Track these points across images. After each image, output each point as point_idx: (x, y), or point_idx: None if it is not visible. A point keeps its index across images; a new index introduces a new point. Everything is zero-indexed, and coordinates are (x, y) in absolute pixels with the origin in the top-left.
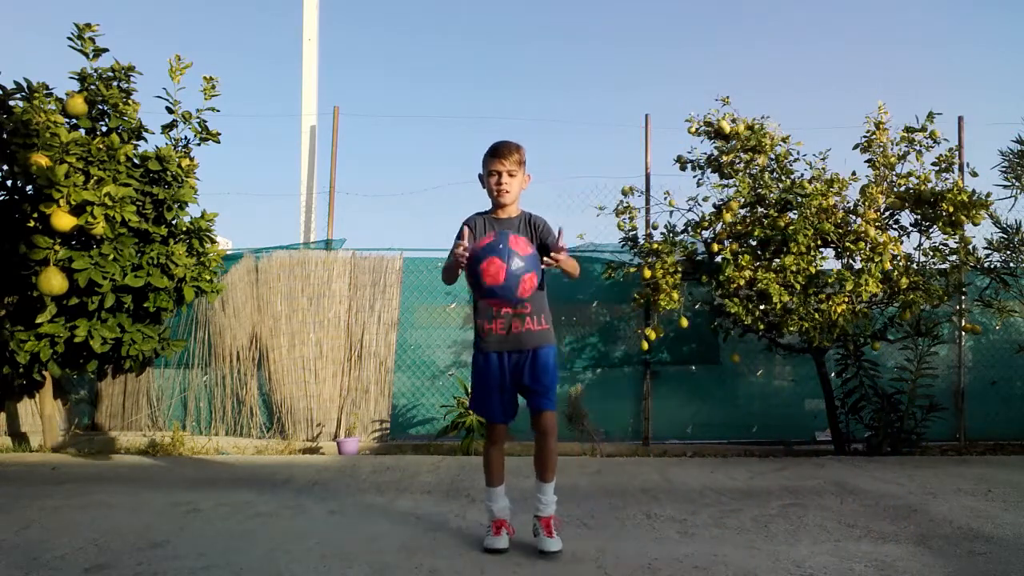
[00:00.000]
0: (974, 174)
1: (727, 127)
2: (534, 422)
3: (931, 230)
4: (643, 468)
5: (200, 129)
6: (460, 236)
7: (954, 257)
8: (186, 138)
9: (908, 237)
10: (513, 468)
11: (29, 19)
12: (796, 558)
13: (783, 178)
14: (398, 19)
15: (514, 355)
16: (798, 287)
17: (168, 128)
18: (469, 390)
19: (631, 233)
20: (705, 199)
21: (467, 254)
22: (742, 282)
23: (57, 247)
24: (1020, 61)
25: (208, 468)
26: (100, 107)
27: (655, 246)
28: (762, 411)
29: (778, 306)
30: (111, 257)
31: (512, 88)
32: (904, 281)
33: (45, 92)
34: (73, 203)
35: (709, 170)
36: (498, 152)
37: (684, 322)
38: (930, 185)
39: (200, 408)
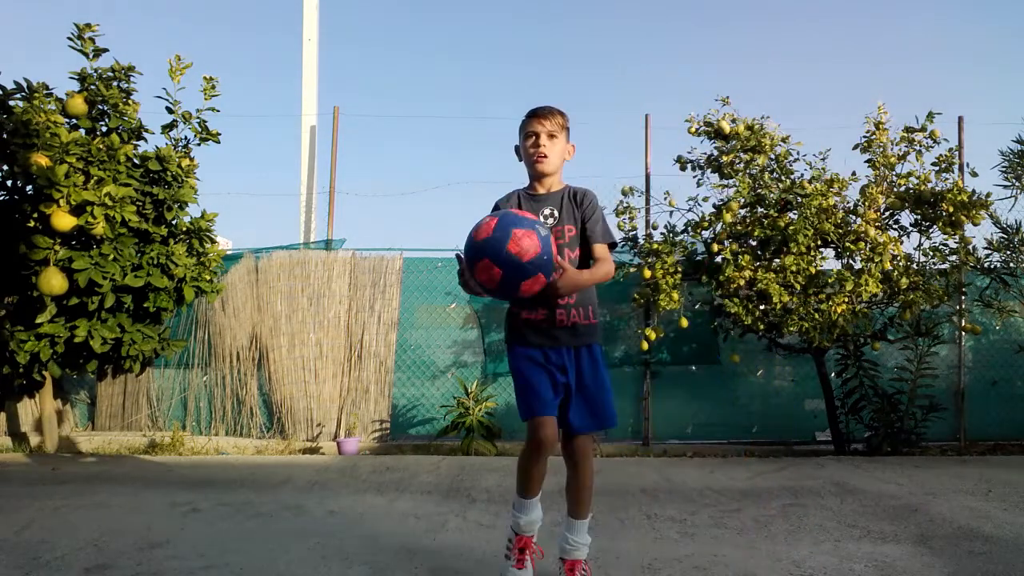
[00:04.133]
0: (974, 174)
1: (727, 127)
2: (566, 444)
3: (931, 230)
4: (643, 468)
5: (200, 129)
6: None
7: (954, 257)
8: (186, 138)
9: (908, 237)
10: (506, 467)
11: (29, 19)
12: (796, 558)
13: (783, 178)
14: (398, 19)
15: (553, 353)
16: (798, 287)
17: (168, 128)
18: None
19: (631, 233)
20: (705, 199)
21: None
22: (742, 282)
23: (57, 247)
24: (1020, 62)
25: (208, 468)
26: (100, 107)
27: (655, 246)
28: (762, 411)
29: (778, 306)
30: (111, 257)
31: (512, 88)
32: (904, 281)
33: (45, 92)
34: (73, 203)
35: (709, 170)
36: (538, 112)
37: (684, 322)
38: (930, 185)
39: (200, 408)
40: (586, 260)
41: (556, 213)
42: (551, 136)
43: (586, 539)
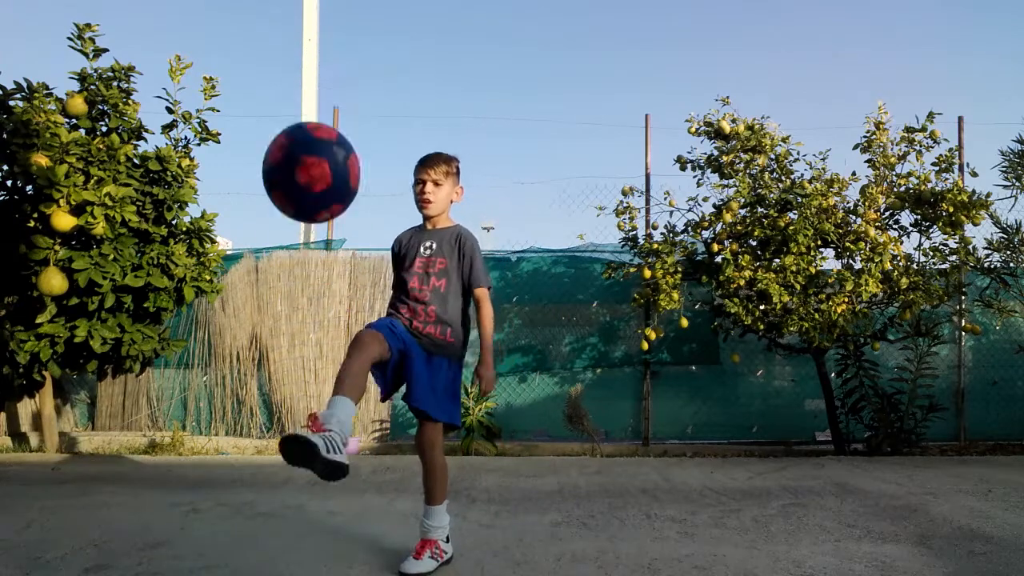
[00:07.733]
0: (974, 174)
1: (727, 127)
2: (418, 437)
3: (931, 230)
4: (643, 468)
5: (200, 129)
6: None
7: (954, 257)
8: (186, 138)
9: (908, 237)
10: (506, 467)
11: (29, 19)
12: (796, 558)
13: (783, 178)
14: (398, 19)
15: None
16: (798, 287)
17: (168, 128)
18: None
19: (631, 233)
20: (705, 199)
21: None
22: (742, 282)
23: (57, 247)
24: (1019, 62)
25: (208, 468)
26: (100, 107)
27: (655, 246)
28: (762, 411)
29: (778, 306)
30: (111, 257)
31: (513, 88)
32: (904, 281)
33: (45, 92)
34: (73, 203)
35: (709, 170)
36: (425, 161)
37: (684, 322)
38: (930, 185)
39: (200, 408)
40: (459, 295)
41: (434, 246)
42: (436, 183)
43: (439, 521)
